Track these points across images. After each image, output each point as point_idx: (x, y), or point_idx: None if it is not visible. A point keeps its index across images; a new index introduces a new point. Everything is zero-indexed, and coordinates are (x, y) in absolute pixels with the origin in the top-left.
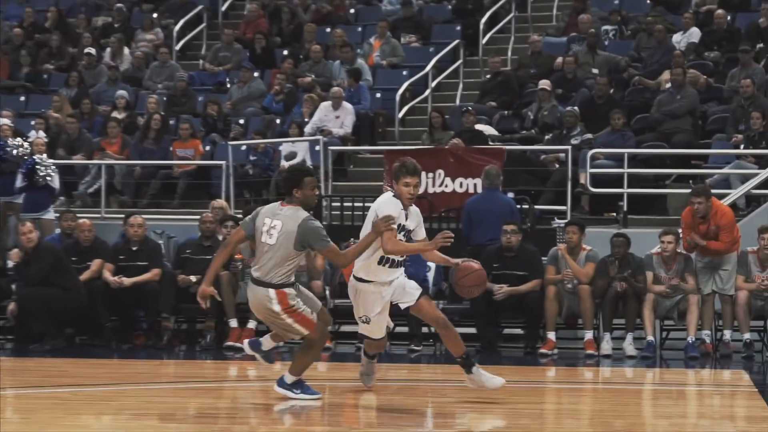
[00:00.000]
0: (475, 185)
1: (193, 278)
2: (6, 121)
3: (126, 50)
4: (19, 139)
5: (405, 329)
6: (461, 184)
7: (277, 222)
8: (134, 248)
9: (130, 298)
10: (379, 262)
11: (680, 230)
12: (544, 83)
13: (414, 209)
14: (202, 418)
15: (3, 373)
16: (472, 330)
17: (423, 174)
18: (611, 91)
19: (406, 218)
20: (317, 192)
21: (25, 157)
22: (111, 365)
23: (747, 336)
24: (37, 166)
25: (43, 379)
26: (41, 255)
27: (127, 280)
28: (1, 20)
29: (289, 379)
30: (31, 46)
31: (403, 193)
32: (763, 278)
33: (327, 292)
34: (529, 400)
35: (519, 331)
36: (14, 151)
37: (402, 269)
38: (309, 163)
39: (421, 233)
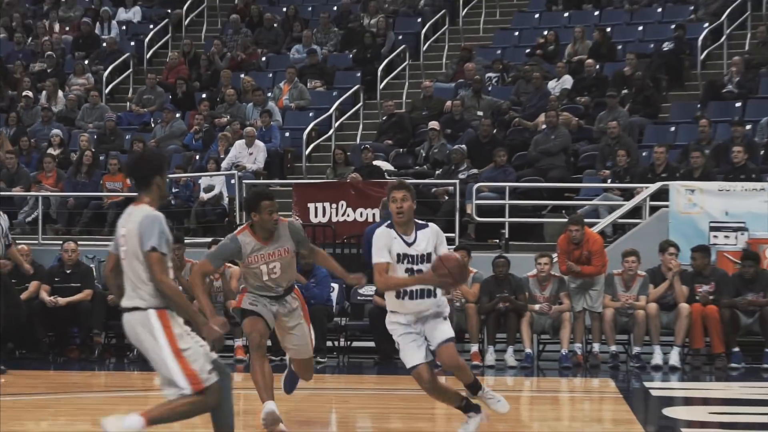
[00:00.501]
0: (373, 215)
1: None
2: None
3: (60, 93)
4: None
5: None
6: (361, 214)
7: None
8: (68, 271)
9: (64, 316)
10: (396, 296)
11: (555, 255)
12: (434, 124)
13: (429, 229)
14: None
15: None
16: (371, 344)
17: (327, 204)
18: (494, 131)
19: (410, 243)
20: (275, 216)
21: None
22: (47, 376)
23: (613, 348)
24: None
25: None
26: None
27: (62, 300)
28: None
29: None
30: None
31: (393, 210)
32: (627, 297)
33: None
34: (422, 406)
35: None
36: None
37: (434, 299)
38: (225, 195)
39: (442, 251)
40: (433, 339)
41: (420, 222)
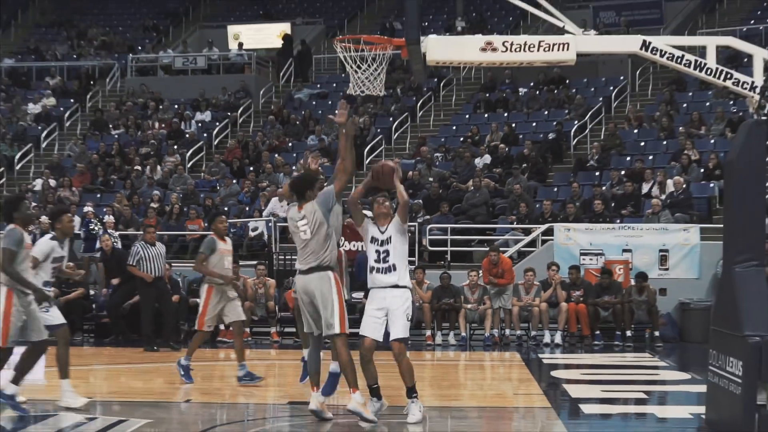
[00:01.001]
0: (361, 246)
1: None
2: (90, 208)
3: (158, 167)
4: (95, 221)
5: None
6: (354, 245)
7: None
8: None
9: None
10: (369, 272)
11: (480, 271)
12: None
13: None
14: None
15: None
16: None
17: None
18: (440, 191)
19: (381, 231)
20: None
21: (99, 232)
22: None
23: (518, 332)
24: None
25: None
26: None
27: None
28: (86, 150)
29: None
30: (103, 165)
31: (375, 211)
32: (527, 299)
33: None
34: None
35: None
36: (93, 228)
37: (391, 276)
38: (265, 233)
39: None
40: (391, 330)
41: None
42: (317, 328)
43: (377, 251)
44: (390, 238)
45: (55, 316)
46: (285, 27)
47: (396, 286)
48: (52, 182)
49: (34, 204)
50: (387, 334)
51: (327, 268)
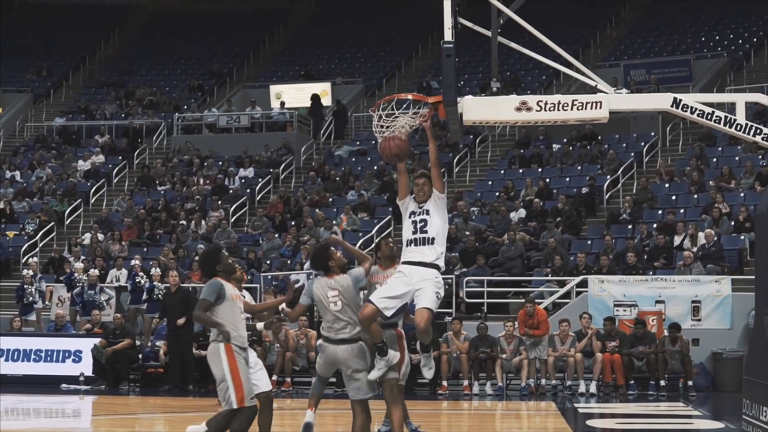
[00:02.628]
0: None
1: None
2: (137, 262)
3: (203, 222)
4: (141, 273)
5: None
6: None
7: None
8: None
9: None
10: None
11: (517, 322)
12: None
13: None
14: None
15: (137, 405)
16: None
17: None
18: (476, 244)
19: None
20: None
21: (145, 284)
22: (194, 401)
23: (553, 382)
24: (154, 290)
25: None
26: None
27: (201, 352)
28: (134, 205)
29: None
30: (149, 219)
31: (415, 191)
32: (563, 350)
33: None
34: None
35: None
36: (139, 281)
37: (427, 251)
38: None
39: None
40: (417, 300)
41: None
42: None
43: (414, 222)
44: (428, 210)
45: (261, 379)
46: (326, 86)
47: (431, 265)
48: (101, 236)
49: (83, 257)
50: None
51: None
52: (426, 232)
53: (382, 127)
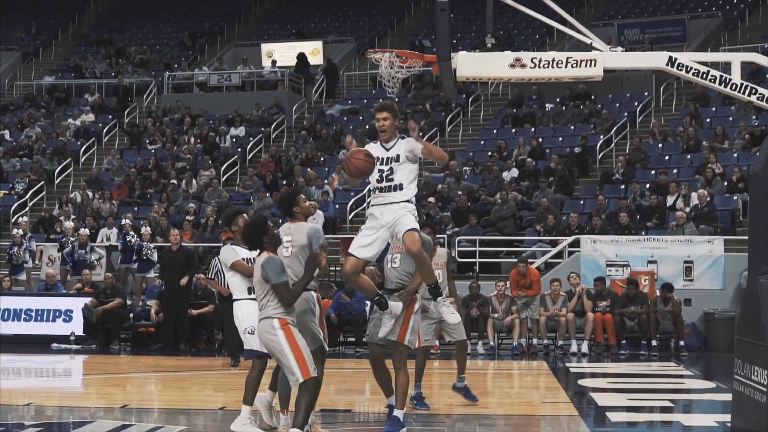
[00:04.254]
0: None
1: None
2: (127, 221)
3: (194, 181)
4: (132, 232)
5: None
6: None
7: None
8: (199, 293)
9: (195, 321)
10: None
11: (509, 282)
12: (431, 200)
13: (404, 140)
14: None
15: (128, 364)
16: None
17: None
18: (468, 204)
19: (387, 149)
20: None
21: (136, 243)
22: (185, 359)
23: (545, 342)
24: (143, 249)
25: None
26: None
27: (194, 311)
28: (124, 164)
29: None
30: (140, 178)
31: (377, 127)
32: (554, 309)
33: None
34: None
35: None
36: (130, 240)
37: (396, 194)
38: None
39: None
40: (398, 232)
41: (403, 136)
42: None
43: (380, 171)
44: (398, 156)
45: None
46: (317, 45)
47: (401, 202)
48: (91, 195)
49: (73, 217)
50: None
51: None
52: (392, 180)
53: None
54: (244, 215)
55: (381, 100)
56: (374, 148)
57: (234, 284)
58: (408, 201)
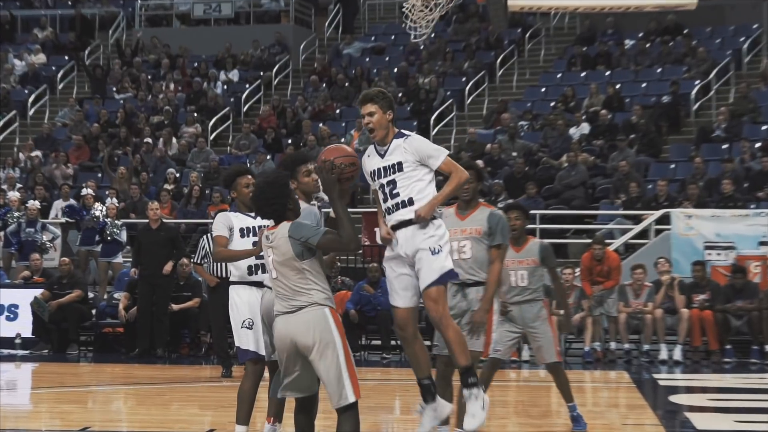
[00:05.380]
0: None
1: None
2: (90, 191)
3: (174, 140)
4: (98, 204)
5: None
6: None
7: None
8: (181, 283)
9: (177, 320)
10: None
11: (579, 269)
12: (479, 162)
13: (404, 140)
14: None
15: (89, 374)
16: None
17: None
18: (526, 168)
19: (382, 154)
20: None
21: (99, 220)
22: (163, 369)
23: (626, 346)
24: (107, 227)
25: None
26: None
27: (175, 306)
28: (84, 118)
29: None
30: (105, 137)
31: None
32: (637, 304)
33: None
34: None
35: None
36: (94, 216)
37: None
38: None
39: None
40: (420, 278)
41: (402, 132)
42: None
43: (381, 186)
44: (399, 164)
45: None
46: None
47: (413, 224)
48: (41, 157)
49: (19, 186)
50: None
51: None
52: (397, 195)
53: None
54: (248, 176)
55: (364, 93)
56: (368, 159)
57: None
58: (436, 217)
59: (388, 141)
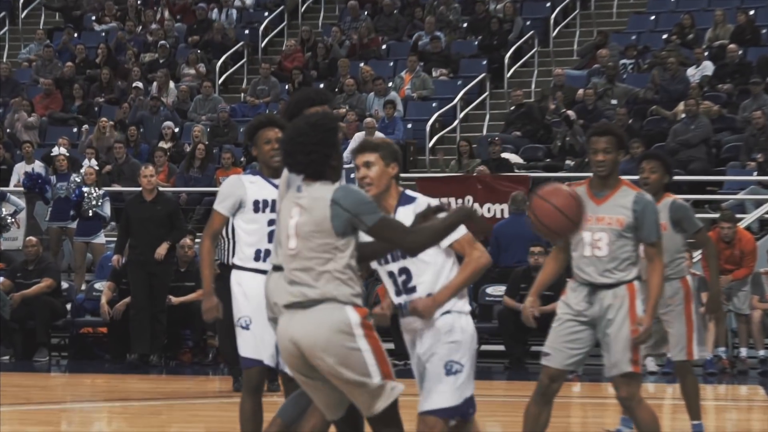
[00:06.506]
0: (502, 210)
1: None
2: (63, 150)
3: (171, 84)
4: (73, 175)
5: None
6: (489, 210)
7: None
8: (182, 269)
9: (177, 317)
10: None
11: (697, 252)
12: (569, 113)
13: (415, 204)
14: None
15: (64, 387)
16: (501, 348)
17: (452, 200)
18: (630, 121)
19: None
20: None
21: (74, 189)
22: (159, 380)
23: (762, 353)
24: (84, 199)
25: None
26: None
27: (174, 299)
28: (54, 56)
29: None
30: (81, 80)
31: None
32: None
33: None
34: (555, 414)
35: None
36: (74, 182)
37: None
38: None
39: None
40: (421, 398)
41: (409, 195)
42: None
43: (390, 274)
44: None
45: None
46: None
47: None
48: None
49: None
50: None
51: None
52: (412, 289)
53: None
54: (276, 129)
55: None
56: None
57: (240, 239)
58: (448, 312)
59: (390, 206)
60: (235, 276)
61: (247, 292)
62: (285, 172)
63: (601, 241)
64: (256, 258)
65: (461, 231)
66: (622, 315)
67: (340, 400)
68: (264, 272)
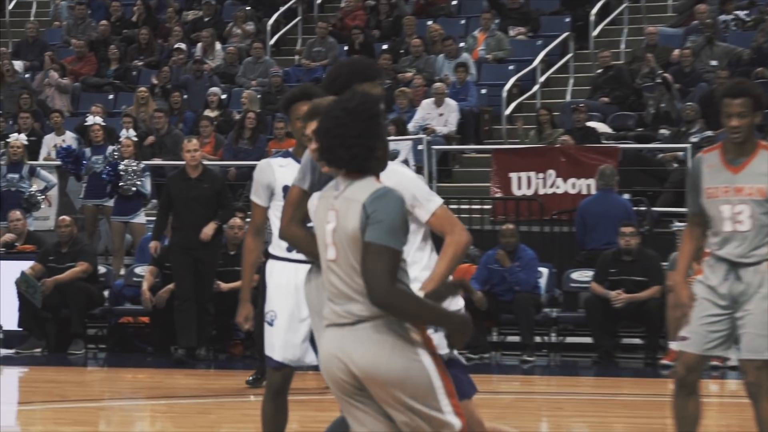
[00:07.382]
0: (588, 186)
1: None
2: (98, 119)
3: (218, 45)
4: (110, 147)
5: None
6: (574, 185)
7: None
8: (232, 252)
9: (228, 304)
10: None
11: None
12: (668, 76)
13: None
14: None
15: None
16: (588, 340)
17: (532, 174)
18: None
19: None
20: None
21: (111, 162)
22: (208, 375)
23: None
24: (122, 173)
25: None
26: None
27: (224, 285)
28: (87, 14)
29: None
30: (117, 41)
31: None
32: None
33: None
34: (650, 414)
35: (638, 340)
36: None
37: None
38: (411, 163)
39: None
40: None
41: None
42: None
43: None
44: None
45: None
46: None
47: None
48: (25, 69)
49: None
50: None
51: None
52: None
53: None
54: (315, 101)
55: None
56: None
57: (274, 227)
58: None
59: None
60: (269, 265)
61: (279, 282)
62: (306, 154)
63: (743, 214)
64: (289, 248)
65: (437, 202)
66: (762, 293)
67: None
68: (297, 261)
